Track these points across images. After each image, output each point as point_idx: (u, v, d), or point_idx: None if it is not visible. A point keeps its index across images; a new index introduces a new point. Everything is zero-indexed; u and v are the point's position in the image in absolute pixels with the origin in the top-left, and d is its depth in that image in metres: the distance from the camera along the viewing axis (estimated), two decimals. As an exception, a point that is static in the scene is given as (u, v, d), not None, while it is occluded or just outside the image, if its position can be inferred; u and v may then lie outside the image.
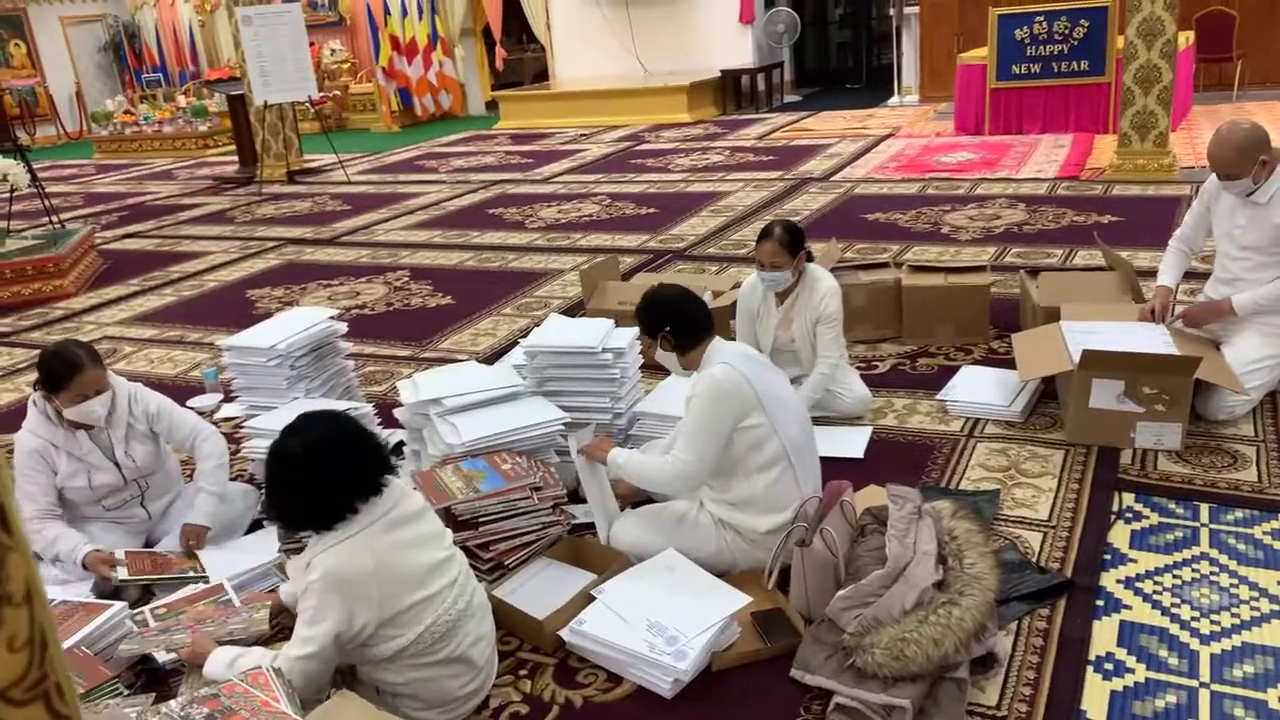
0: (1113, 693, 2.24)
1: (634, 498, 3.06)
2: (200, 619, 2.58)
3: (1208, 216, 3.65)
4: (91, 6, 18.02)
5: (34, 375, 3.05)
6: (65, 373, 2.92)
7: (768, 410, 2.67)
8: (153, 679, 2.56)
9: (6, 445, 3.95)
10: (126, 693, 2.39)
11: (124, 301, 6.47)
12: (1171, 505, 2.95)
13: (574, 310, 5.04)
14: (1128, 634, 2.42)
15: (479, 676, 2.34)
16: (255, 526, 3.28)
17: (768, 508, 2.72)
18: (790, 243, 3.56)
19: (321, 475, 2.13)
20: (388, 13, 14.93)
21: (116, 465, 3.08)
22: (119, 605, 2.66)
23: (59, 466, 3.03)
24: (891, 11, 12.48)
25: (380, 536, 2.16)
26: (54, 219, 8.40)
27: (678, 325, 2.83)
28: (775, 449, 2.69)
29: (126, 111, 15.26)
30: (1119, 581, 2.62)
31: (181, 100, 15.43)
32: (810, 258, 3.70)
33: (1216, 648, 2.35)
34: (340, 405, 3.48)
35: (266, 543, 3.03)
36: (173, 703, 2.01)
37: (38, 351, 5.39)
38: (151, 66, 17.93)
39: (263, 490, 3.17)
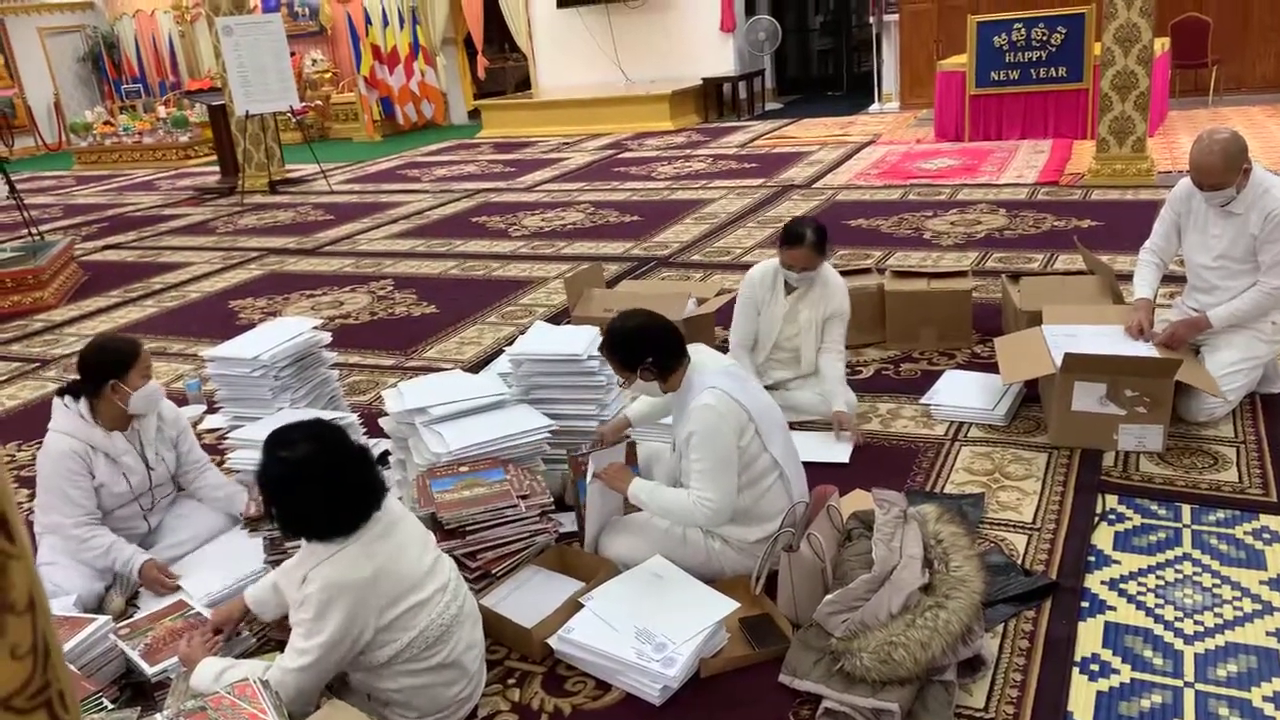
0: (1099, 693, 2.25)
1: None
2: (171, 635, 2.57)
3: (1178, 224, 3.63)
4: (70, 17, 17.92)
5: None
6: (128, 353, 2.91)
7: (757, 424, 2.67)
8: (137, 693, 2.55)
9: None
10: (111, 707, 2.37)
11: (105, 313, 6.42)
12: (1154, 507, 2.98)
13: (559, 318, 5.05)
14: (1113, 635, 2.44)
15: (470, 683, 2.33)
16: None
17: (760, 518, 2.72)
18: (820, 244, 3.58)
19: (340, 485, 2.12)
20: (369, 22, 14.92)
21: (148, 466, 3.05)
22: (103, 619, 2.63)
23: (96, 469, 2.94)
24: (872, 19, 12.58)
25: (375, 543, 2.15)
26: (33, 231, 8.35)
27: (660, 355, 2.71)
28: (766, 461, 2.70)
29: (106, 122, 15.17)
30: (1103, 583, 2.64)
31: (162, 111, 15.35)
32: None
33: (1200, 647, 2.37)
34: (326, 415, 3.47)
35: (249, 552, 2.99)
36: (158, 716, 2.00)
37: (19, 365, 5.37)
38: (131, 77, 17.83)
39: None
